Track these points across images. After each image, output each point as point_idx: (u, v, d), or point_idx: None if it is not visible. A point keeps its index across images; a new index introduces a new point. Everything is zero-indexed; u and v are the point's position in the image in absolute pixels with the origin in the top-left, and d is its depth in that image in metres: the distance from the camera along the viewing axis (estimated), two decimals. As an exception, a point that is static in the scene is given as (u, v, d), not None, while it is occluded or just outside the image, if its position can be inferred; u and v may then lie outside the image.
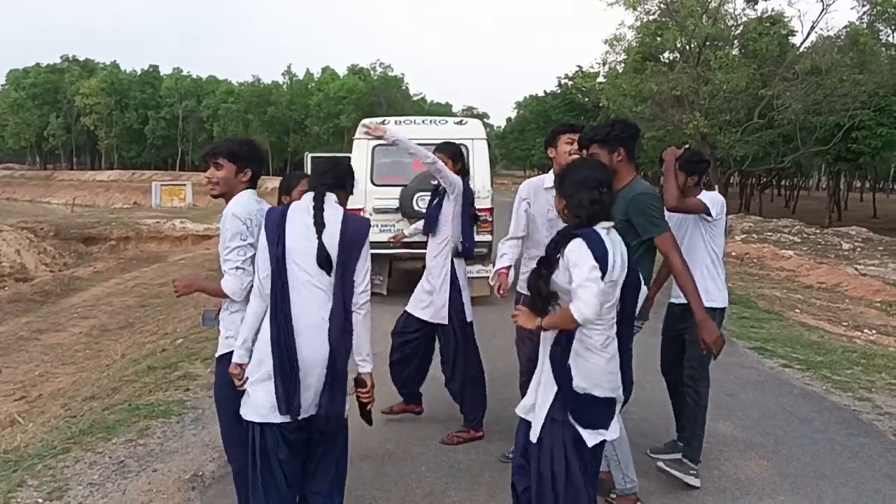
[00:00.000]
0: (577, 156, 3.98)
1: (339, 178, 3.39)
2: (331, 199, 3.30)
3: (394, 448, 4.59)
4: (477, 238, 9.31)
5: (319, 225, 3.14)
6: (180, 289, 3.36)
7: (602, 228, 2.95)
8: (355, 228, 3.22)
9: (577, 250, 2.85)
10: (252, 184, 3.34)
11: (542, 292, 2.92)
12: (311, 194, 3.24)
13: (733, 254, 18.87)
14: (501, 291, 4.24)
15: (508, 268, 4.38)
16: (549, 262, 2.92)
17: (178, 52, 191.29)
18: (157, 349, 8.20)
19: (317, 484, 3.20)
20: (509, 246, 4.47)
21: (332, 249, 3.13)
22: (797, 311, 10.79)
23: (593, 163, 3.23)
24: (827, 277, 14.90)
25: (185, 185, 39.46)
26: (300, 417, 3.03)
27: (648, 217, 3.65)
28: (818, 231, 25.87)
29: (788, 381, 6.56)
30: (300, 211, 3.20)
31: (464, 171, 5.06)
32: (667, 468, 4.25)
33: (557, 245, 2.92)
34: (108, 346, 10.09)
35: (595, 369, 2.95)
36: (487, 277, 9.75)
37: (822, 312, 11.05)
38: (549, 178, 4.32)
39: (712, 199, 4.30)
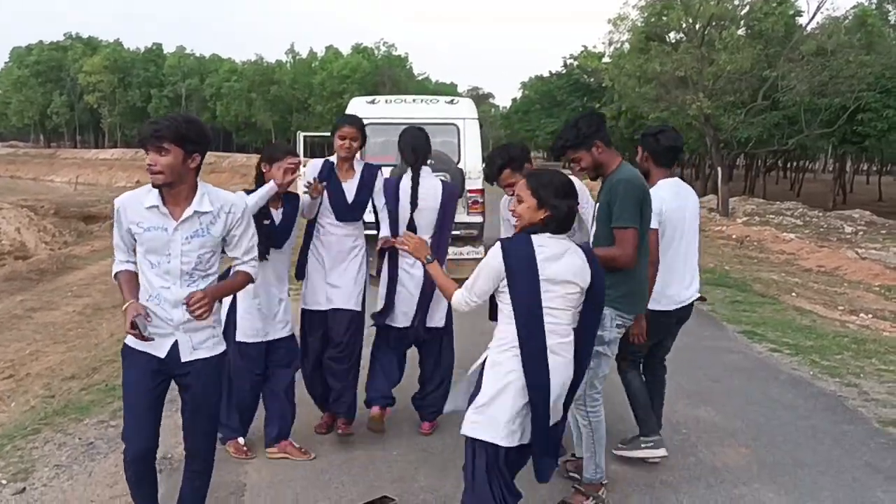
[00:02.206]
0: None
1: (429, 151, 4.58)
2: (426, 171, 4.51)
3: (366, 432, 4.51)
4: (467, 219, 9.37)
5: (413, 204, 4.46)
6: (207, 309, 2.85)
7: (548, 236, 3.00)
8: (451, 194, 4.60)
9: (490, 253, 3.04)
10: (198, 170, 2.93)
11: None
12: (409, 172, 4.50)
13: (734, 236, 18.77)
14: None
15: None
16: None
17: (182, 31, 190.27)
18: (143, 328, 8.13)
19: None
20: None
21: (430, 216, 4.49)
22: (793, 294, 10.70)
23: (560, 173, 3.11)
24: (827, 261, 14.81)
25: (186, 163, 39.19)
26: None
27: (620, 205, 3.57)
28: (821, 214, 25.71)
29: (776, 366, 6.48)
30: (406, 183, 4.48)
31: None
32: (625, 453, 4.21)
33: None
34: (100, 324, 10.06)
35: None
36: (478, 259, 9.71)
37: (819, 296, 10.96)
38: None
39: (660, 198, 3.94)
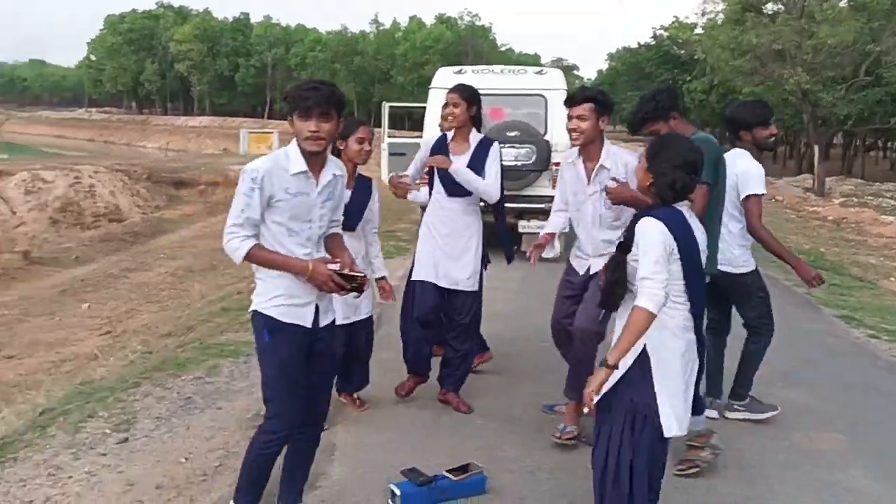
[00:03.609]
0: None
1: None
2: None
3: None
4: (552, 193, 9.24)
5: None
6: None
7: (683, 207, 2.87)
8: None
9: (645, 233, 2.75)
10: None
11: (612, 277, 2.84)
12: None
13: (830, 218, 18.03)
14: (533, 260, 3.99)
15: (551, 235, 4.13)
16: (626, 245, 2.83)
17: (269, 0, 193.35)
18: (234, 291, 8.39)
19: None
20: (554, 215, 4.23)
21: None
22: (892, 279, 10.23)
23: (690, 144, 2.94)
24: (929, 246, 14.05)
25: (272, 132, 39.89)
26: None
27: None
28: (924, 197, 24.42)
29: (874, 352, 6.23)
30: None
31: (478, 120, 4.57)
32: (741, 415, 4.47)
33: (633, 224, 2.84)
34: (191, 286, 10.41)
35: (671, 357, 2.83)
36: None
37: (921, 282, 10.43)
38: (573, 152, 4.04)
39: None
